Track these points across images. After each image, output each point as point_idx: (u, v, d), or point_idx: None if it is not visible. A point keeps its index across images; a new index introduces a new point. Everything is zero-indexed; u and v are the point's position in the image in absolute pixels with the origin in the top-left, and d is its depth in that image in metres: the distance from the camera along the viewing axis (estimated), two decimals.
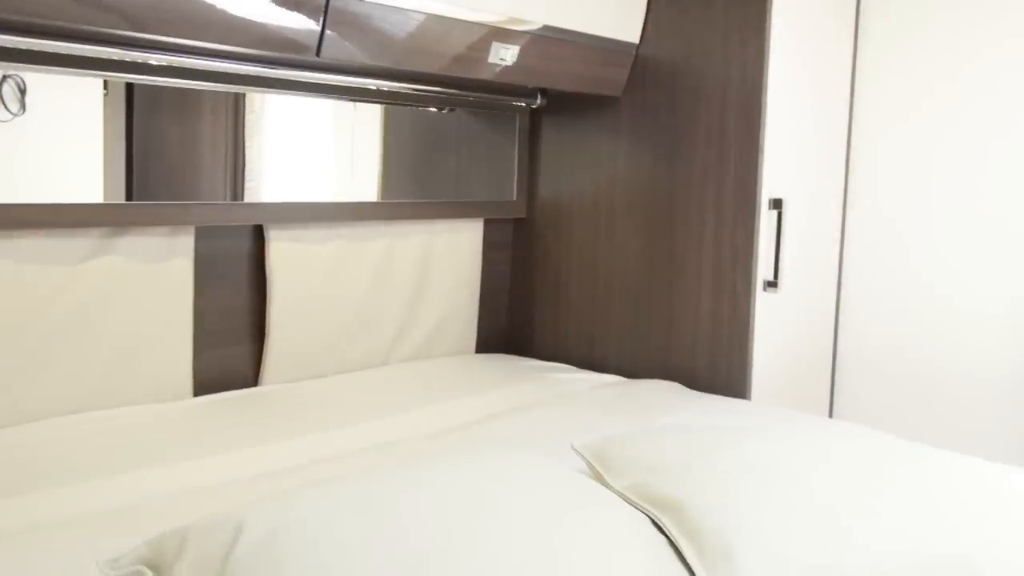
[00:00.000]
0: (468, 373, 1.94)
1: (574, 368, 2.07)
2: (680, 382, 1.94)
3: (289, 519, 0.75)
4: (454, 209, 2.04)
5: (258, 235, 1.74)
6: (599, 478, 1.08)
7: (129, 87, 1.47)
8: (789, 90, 1.86)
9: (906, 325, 2.01)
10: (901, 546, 0.78)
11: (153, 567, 0.76)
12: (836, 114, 2.02)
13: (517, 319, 2.28)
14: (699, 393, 1.85)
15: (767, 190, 1.83)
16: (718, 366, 1.90)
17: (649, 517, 0.92)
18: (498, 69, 1.74)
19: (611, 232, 2.06)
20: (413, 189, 1.96)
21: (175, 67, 1.47)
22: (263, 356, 1.76)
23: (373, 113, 1.87)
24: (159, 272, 1.56)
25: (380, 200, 1.89)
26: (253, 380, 1.78)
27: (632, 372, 2.03)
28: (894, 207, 2.02)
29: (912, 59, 1.97)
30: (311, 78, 1.64)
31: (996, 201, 1.88)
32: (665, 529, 0.87)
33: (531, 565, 0.71)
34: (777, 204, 1.84)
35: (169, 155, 1.55)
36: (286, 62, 1.57)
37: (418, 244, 2.00)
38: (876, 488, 0.88)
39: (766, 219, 1.84)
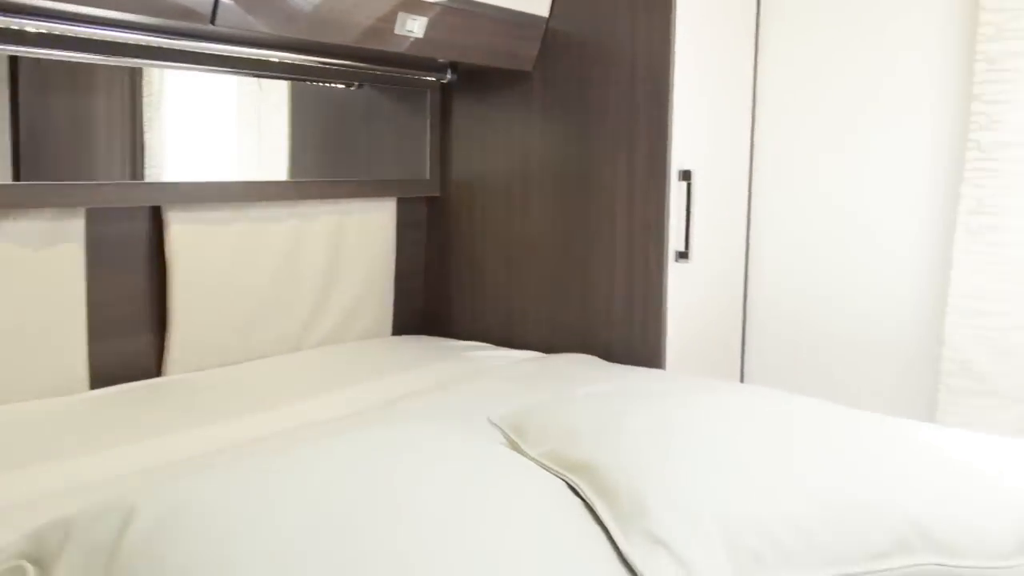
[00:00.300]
0: (384, 355, 1.90)
1: (492, 346, 2.06)
2: (597, 355, 1.96)
3: (183, 501, 0.71)
4: (365, 188, 1.99)
5: (157, 217, 1.66)
6: (516, 447, 1.07)
7: (13, 60, 1.37)
8: (695, 63, 1.88)
9: (813, 292, 2.08)
10: (811, 493, 0.79)
11: (35, 560, 0.71)
12: (741, 87, 2.06)
13: (434, 300, 2.25)
14: (615, 364, 1.86)
15: (676, 162, 1.86)
16: (633, 337, 1.92)
17: (565, 482, 0.92)
18: (407, 42, 1.70)
19: (526, 208, 2.05)
20: (323, 168, 1.91)
21: (58, 36, 1.38)
22: (165, 345, 1.68)
23: (280, 90, 1.80)
24: (47, 258, 1.47)
25: (288, 179, 1.83)
26: (156, 370, 1.70)
27: (551, 348, 2.03)
28: (798, 176, 2.08)
29: (811, 31, 2.02)
30: (209, 49, 1.56)
31: (895, 170, 1.96)
32: (580, 492, 0.87)
33: (441, 531, 0.69)
34: (687, 175, 1.87)
35: (61, 133, 1.45)
36: (182, 32, 1.49)
37: (329, 225, 1.94)
38: (786, 440, 0.90)
39: (676, 191, 1.86)
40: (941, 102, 1.90)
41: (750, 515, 0.75)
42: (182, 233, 1.65)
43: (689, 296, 1.96)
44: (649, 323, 1.90)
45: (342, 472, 0.74)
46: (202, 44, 1.54)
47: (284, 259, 1.85)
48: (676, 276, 1.91)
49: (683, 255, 1.90)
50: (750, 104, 2.11)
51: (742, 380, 2.19)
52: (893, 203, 1.97)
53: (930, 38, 1.89)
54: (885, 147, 1.96)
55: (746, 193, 2.14)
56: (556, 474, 0.94)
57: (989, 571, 0.80)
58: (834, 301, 2.05)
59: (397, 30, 1.65)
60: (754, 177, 2.15)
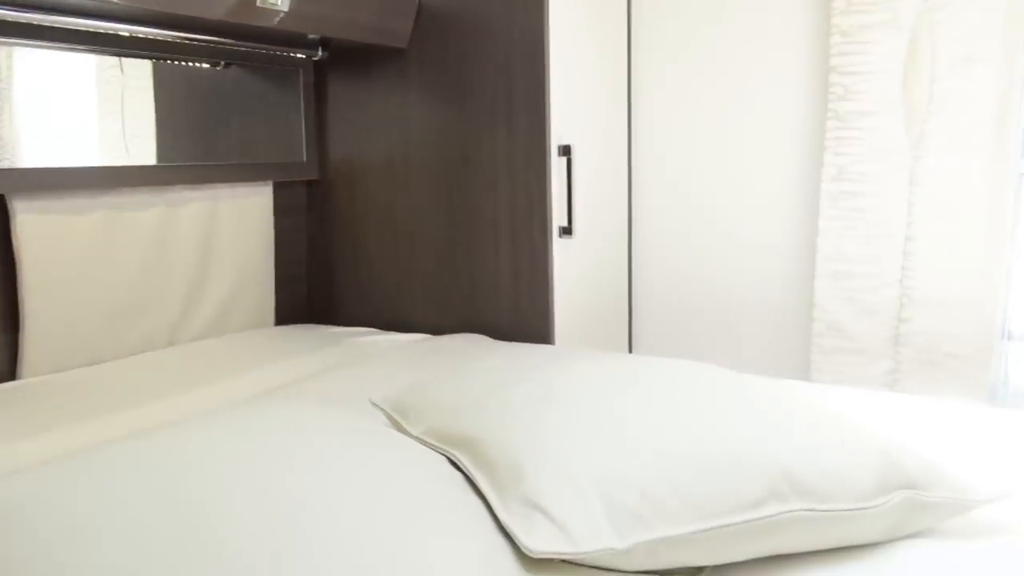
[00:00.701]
0: (265, 346, 1.82)
1: (379, 331, 2.02)
2: (486, 334, 1.95)
3: (15, 499, 0.64)
4: (238, 172, 1.90)
5: (2, 208, 1.52)
6: (399, 427, 1.04)
7: None
8: (570, 37, 1.89)
9: (694, 263, 2.14)
10: (686, 450, 0.80)
11: None
12: (616, 61, 2.09)
13: (318, 287, 2.18)
14: (503, 343, 1.86)
15: (556, 137, 1.86)
16: (521, 315, 1.92)
17: (447, 457, 0.90)
18: (273, 16, 1.62)
19: (408, 189, 2.01)
20: (191, 152, 1.80)
21: None
22: (19, 346, 1.55)
23: (143, 70, 1.69)
24: None
25: (152, 164, 1.72)
26: (10, 374, 1.57)
27: (439, 329, 2.01)
28: (674, 150, 2.13)
29: (682, 5, 2.07)
30: (60, 23, 1.44)
31: (765, 141, 2.03)
32: (461, 466, 0.85)
33: (310, 511, 0.65)
34: (566, 151, 1.87)
35: None
36: (30, 4, 1.37)
37: (200, 211, 1.84)
38: (662, 402, 0.91)
39: (556, 166, 1.87)
40: (804, 74, 1.98)
41: (628, 475, 0.75)
42: (30, 224, 1.52)
43: (575, 271, 1.97)
44: (536, 300, 1.90)
45: (198, 459, 0.69)
46: (51, 17, 1.42)
47: (152, 249, 1.74)
48: (561, 252, 1.92)
49: (567, 231, 1.91)
50: (626, 79, 2.14)
51: (630, 351, 2.24)
52: (764, 173, 2.04)
53: (792, 12, 1.97)
54: (754, 119, 2.03)
55: (626, 167, 2.17)
56: (438, 450, 0.92)
57: (854, 512, 0.84)
58: (714, 271, 2.12)
59: (260, 3, 1.58)
60: (633, 151, 2.18)
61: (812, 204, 2.01)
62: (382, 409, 1.10)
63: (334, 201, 2.12)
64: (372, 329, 2.04)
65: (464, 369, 1.15)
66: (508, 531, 0.70)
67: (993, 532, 0.91)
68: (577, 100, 1.93)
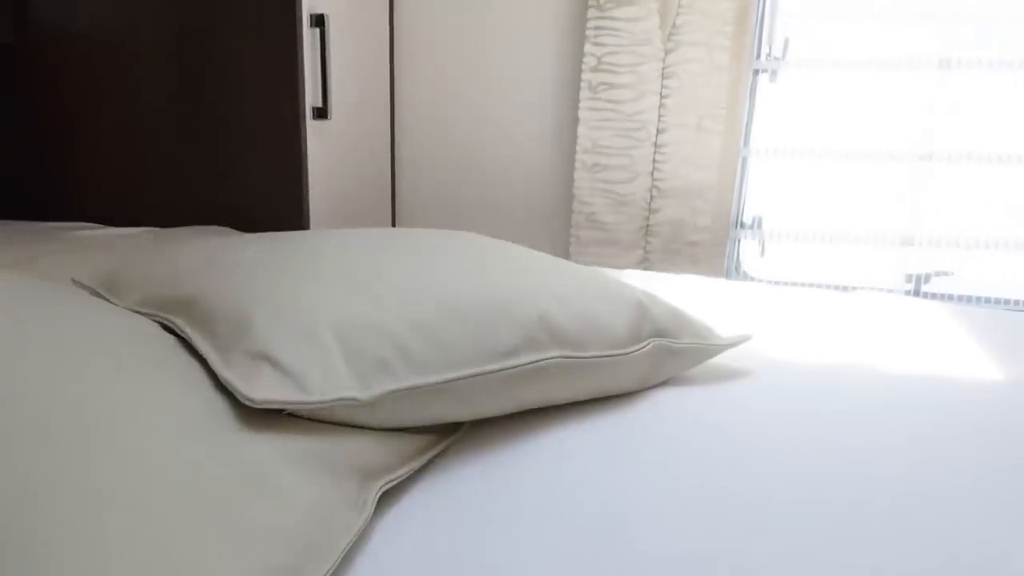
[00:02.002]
0: None
1: (100, 226, 1.74)
2: (233, 227, 1.76)
3: None
4: None
5: None
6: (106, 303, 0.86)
7: None
8: None
9: (458, 152, 2.07)
10: (438, 298, 0.73)
11: None
12: None
13: (24, 177, 1.83)
14: (252, 235, 1.68)
15: (307, 4, 1.67)
16: (273, 205, 1.74)
17: (161, 324, 0.76)
18: None
19: (137, 60, 1.72)
20: None
21: None
22: None
23: None
24: None
25: None
26: None
27: (176, 223, 1.78)
28: (439, 32, 2.02)
29: None
30: None
31: (529, 29, 1.99)
32: (178, 330, 0.71)
33: None
34: (319, 20, 1.70)
35: None
36: None
37: None
38: (412, 256, 0.83)
39: (309, 38, 1.69)
40: None
41: (374, 321, 0.67)
42: None
43: (332, 157, 1.82)
44: (288, 188, 1.73)
45: None
46: None
47: None
48: (316, 135, 1.75)
49: (322, 112, 1.75)
50: None
51: None
52: (528, 61, 2.01)
53: None
54: (520, 6, 1.97)
55: (387, 47, 2.03)
56: (151, 317, 0.77)
57: (610, 359, 0.82)
58: (478, 161, 2.07)
59: None
60: (396, 30, 2.04)
61: (575, 95, 2.02)
62: (85, 287, 0.92)
63: (40, 73, 1.77)
64: (92, 224, 1.76)
65: (190, 243, 0.99)
66: (230, 388, 0.59)
67: (730, 378, 0.95)
68: None
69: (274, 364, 0.60)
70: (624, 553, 0.58)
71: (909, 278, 1.99)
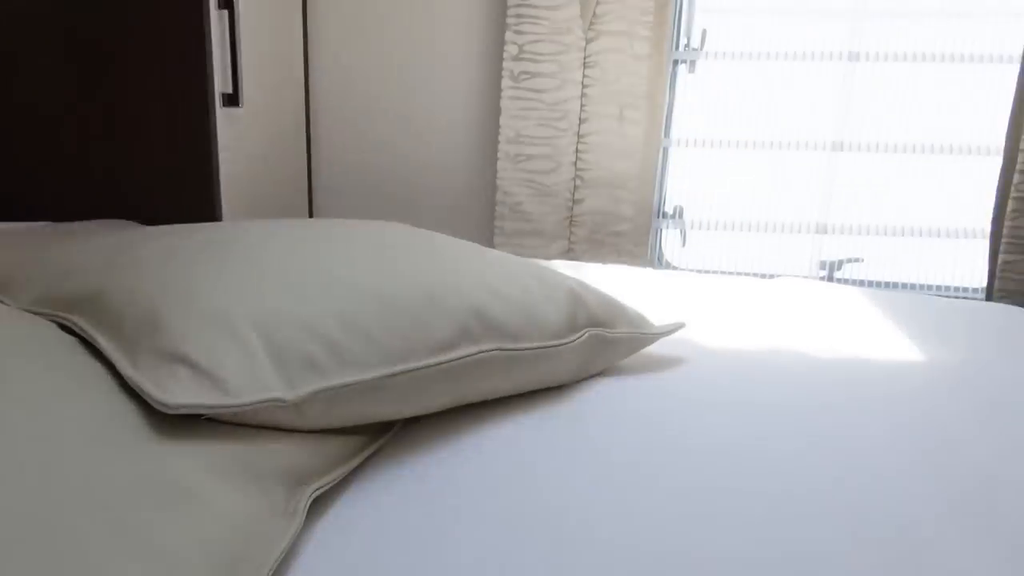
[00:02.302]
0: None
1: None
2: (138, 220, 1.65)
3: None
4: None
5: None
6: None
7: None
8: None
9: (378, 142, 2.02)
10: (369, 291, 0.69)
11: None
12: None
13: None
14: (158, 226, 1.59)
15: None
16: (181, 196, 1.65)
17: (59, 324, 0.69)
18: None
19: (29, 41, 1.60)
20: None
21: None
22: None
23: None
24: None
25: None
26: None
27: (73, 217, 1.66)
28: (355, 18, 1.96)
29: None
30: None
31: (450, 18, 1.94)
32: (78, 330, 0.65)
33: None
34: (227, 2, 1.61)
35: None
36: None
37: None
38: (343, 246, 0.79)
39: (217, 21, 1.60)
40: None
41: (299, 317, 0.62)
42: None
43: (245, 147, 1.74)
44: (199, 178, 1.64)
45: None
46: None
47: None
48: (227, 124, 1.67)
49: (232, 99, 1.66)
50: None
51: None
52: (449, 49, 1.97)
53: None
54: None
55: (301, 33, 1.95)
56: (47, 318, 0.70)
57: (546, 350, 0.80)
58: (399, 151, 2.02)
59: None
60: (309, 17, 1.97)
61: (496, 84, 1.99)
62: None
63: None
64: None
65: (91, 237, 0.91)
66: (139, 391, 0.53)
67: (664, 367, 0.95)
68: None
69: (190, 364, 0.55)
70: (570, 550, 0.56)
71: (823, 265, 2.05)
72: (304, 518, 0.54)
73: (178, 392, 0.52)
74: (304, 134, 1.99)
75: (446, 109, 2.00)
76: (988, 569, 0.57)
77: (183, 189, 1.64)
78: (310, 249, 0.75)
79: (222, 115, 1.65)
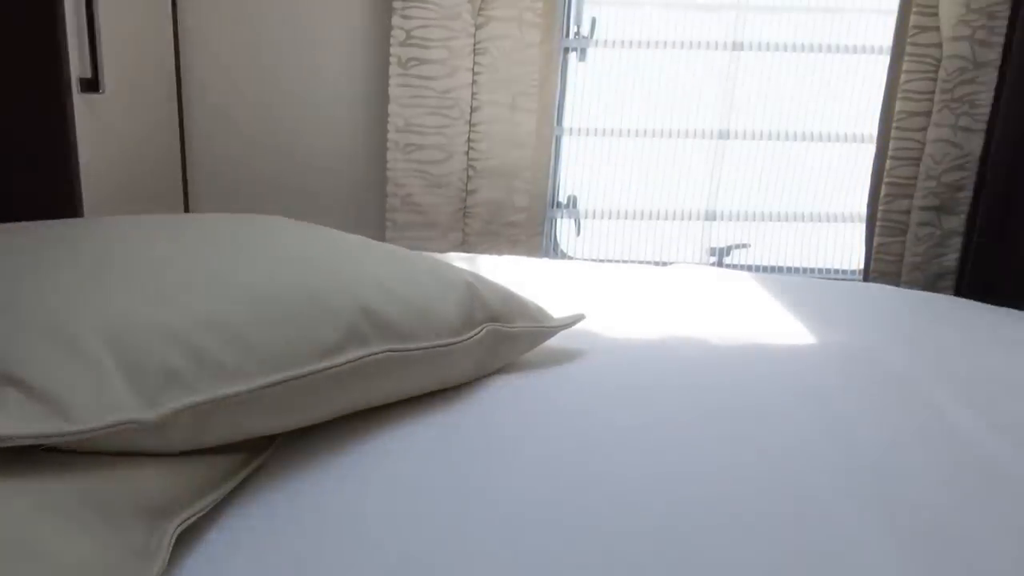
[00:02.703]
0: None
1: None
2: None
3: None
4: None
5: None
6: None
7: None
8: None
9: (256, 132, 1.90)
10: (241, 294, 0.62)
11: None
12: None
13: None
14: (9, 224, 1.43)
15: None
16: (36, 190, 1.50)
17: None
18: None
19: None
20: None
21: None
22: None
23: None
24: None
25: None
26: None
27: None
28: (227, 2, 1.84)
29: None
30: None
31: (332, 4, 1.85)
32: None
33: None
34: None
35: None
36: None
37: None
38: (222, 243, 0.71)
39: (72, 2, 1.46)
40: None
41: (160, 326, 0.55)
42: None
43: (108, 136, 1.60)
44: (55, 169, 1.49)
45: None
46: None
47: None
48: (87, 111, 1.53)
49: (92, 85, 1.52)
50: None
51: None
52: (332, 33, 1.87)
53: None
54: None
55: (170, 14, 1.81)
56: None
57: (441, 349, 0.75)
58: (282, 140, 1.91)
59: None
60: (179, 3, 1.83)
61: (384, 71, 1.91)
62: None
63: None
64: None
65: None
66: None
67: (565, 360, 0.92)
68: None
69: (22, 388, 0.47)
70: (462, 568, 0.51)
71: (713, 251, 2.09)
72: (168, 555, 0.47)
73: (5, 421, 0.44)
74: (177, 122, 1.86)
75: (331, 97, 1.90)
76: (881, 534, 0.56)
77: (38, 182, 1.49)
78: (174, 248, 0.67)
79: (81, 101, 1.51)
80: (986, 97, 1.79)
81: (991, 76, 1.78)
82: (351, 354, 0.66)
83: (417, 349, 0.72)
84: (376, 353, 0.68)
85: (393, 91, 1.85)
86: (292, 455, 0.65)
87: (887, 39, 1.85)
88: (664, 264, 2.01)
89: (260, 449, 0.63)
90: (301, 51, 1.87)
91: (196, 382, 0.54)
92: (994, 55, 1.77)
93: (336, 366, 0.64)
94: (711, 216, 2.05)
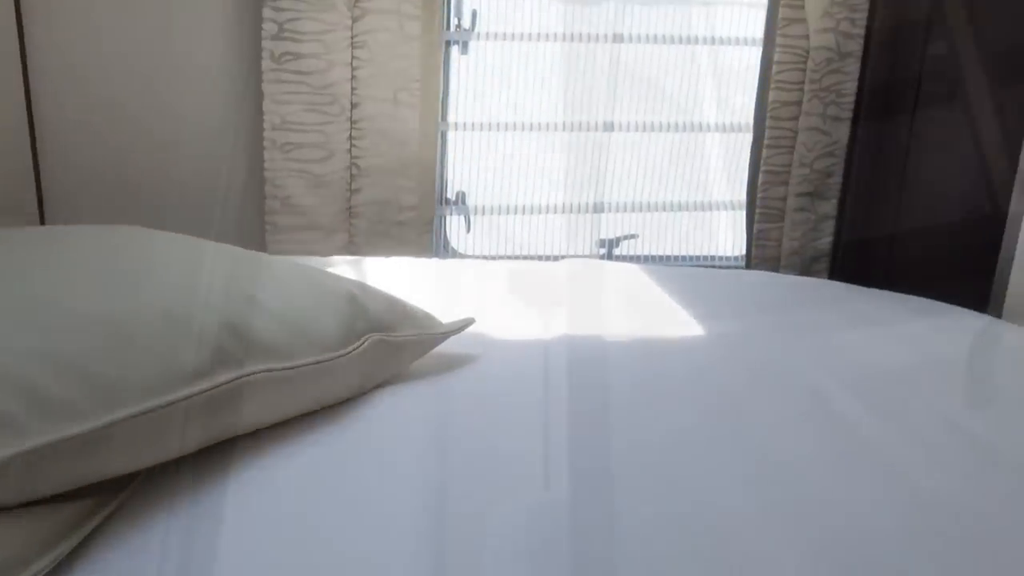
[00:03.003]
0: None
1: None
2: None
3: None
4: None
5: None
6: None
7: None
8: None
9: (115, 135, 1.77)
10: (85, 322, 0.56)
11: None
12: None
13: None
14: None
15: None
16: None
17: None
18: None
19: None
20: None
21: None
22: None
23: None
24: None
25: None
26: None
27: None
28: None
29: None
30: None
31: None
32: None
33: None
34: None
35: None
36: None
37: None
38: (59, 263, 0.64)
39: None
40: None
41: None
42: None
43: None
44: None
45: None
46: None
47: None
48: None
49: None
50: None
51: None
52: (198, 26, 1.76)
53: None
54: None
55: (14, 21, 1.66)
56: None
57: (323, 365, 0.70)
58: (145, 144, 1.79)
59: None
60: (23, 5, 1.68)
61: (257, 66, 1.82)
62: None
63: None
64: None
65: None
66: None
67: (456, 367, 0.88)
68: None
69: None
70: None
71: (602, 243, 2.10)
72: None
73: None
74: (26, 125, 1.70)
75: (199, 95, 1.79)
76: (767, 515, 0.56)
77: None
78: (4, 270, 0.59)
79: None
80: (851, 86, 1.87)
81: (854, 66, 1.86)
82: (219, 377, 0.60)
83: (295, 367, 0.67)
84: (248, 374, 0.63)
85: (267, 87, 1.76)
86: (157, 492, 0.59)
87: (760, 31, 1.91)
88: (555, 258, 2.01)
89: (117, 489, 0.57)
90: (163, 47, 1.75)
91: (26, 426, 0.47)
92: (856, 46, 1.85)
93: (200, 392, 0.58)
94: (599, 208, 2.07)
